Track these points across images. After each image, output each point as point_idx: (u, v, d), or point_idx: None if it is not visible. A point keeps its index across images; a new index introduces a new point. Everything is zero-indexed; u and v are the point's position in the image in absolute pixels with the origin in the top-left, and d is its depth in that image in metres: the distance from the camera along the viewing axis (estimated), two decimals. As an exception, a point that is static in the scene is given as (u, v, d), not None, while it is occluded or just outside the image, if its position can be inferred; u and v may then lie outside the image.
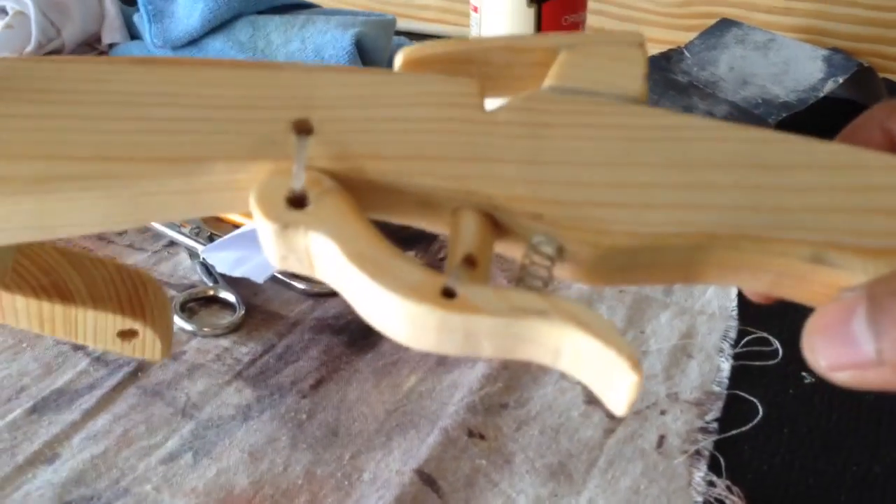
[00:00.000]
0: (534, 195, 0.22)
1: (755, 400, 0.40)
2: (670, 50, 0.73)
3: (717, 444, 0.38)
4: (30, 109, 0.23)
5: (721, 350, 0.44)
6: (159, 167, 0.22)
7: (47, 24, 0.74)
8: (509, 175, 0.23)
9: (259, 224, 0.22)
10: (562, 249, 0.22)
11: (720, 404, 0.40)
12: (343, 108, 0.24)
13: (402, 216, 0.24)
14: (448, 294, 0.20)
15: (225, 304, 0.48)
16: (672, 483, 0.36)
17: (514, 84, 0.27)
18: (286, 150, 0.23)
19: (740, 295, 0.48)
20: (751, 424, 0.39)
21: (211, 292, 0.48)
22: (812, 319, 0.21)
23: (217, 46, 0.72)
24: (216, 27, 0.72)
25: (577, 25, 0.60)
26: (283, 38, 0.71)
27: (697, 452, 0.37)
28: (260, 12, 0.74)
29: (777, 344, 0.44)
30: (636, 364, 0.20)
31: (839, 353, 0.20)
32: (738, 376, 0.42)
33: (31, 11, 0.73)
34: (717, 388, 0.41)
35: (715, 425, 0.39)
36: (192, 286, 0.49)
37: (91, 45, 0.80)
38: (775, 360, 0.43)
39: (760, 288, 0.24)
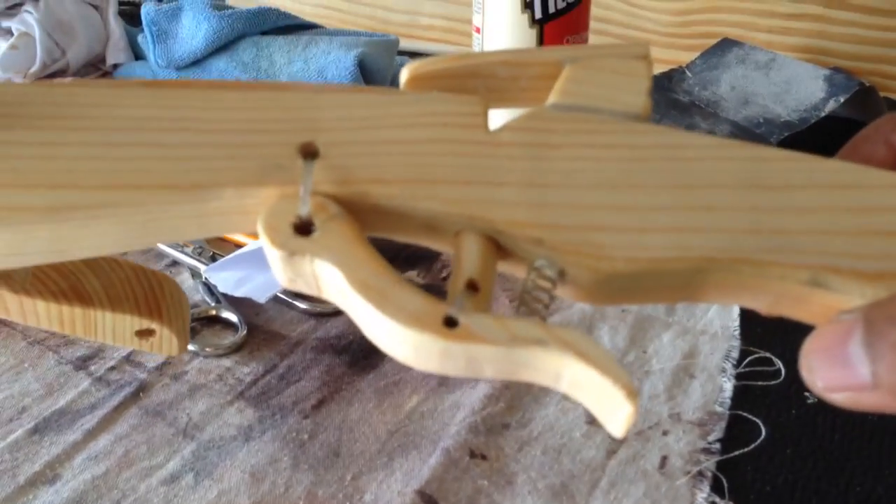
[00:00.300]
0: (535, 220, 0.23)
1: (758, 420, 0.40)
2: (672, 69, 0.74)
3: (720, 465, 0.38)
4: (42, 137, 0.24)
5: (723, 370, 0.44)
6: (169, 195, 0.23)
7: (52, 45, 0.75)
8: (511, 198, 0.23)
9: (267, 250, 0.22)
10: (563, 272, 0.22)
11: (723, 425, 0.40)
12: (348, 131, 0.24)
13: (407, 237, 0.24)
14: (450, 323, 0.21)
15: (227, 324, 0.48)
16: (675, 504, 0.36)
17: (519, 96, 0.27)
18: (293, 175, 0.23)
19: (742, 315, 0.47)
20: (753, 445, 0.39)
21: (213, 312, 0.48)
22: (810, 340, 0.21)
23: (220, 67, 0.72)
24: (220, 48, 0.72)
25: (579, 46, 0.60)
26: (287, 58, 0.71)
27: (700, 473, 0.37)
28: (263, 33, 0.74)
29: (780, 364, 0.44)
30: (632, 394, 0.20)
31: (835, 374, 0.21)
32: (741, 396, 0.42)
33: (36, 32, 0.74)
34: (719, 409, 0.41)
35: (717, 446, 0.39)
36: (195, 306, 0.49)
37: (95, 66, 0.80)
38: (778, 381, 0.43)
39: (760, 308, 0.24)
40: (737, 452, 0.38)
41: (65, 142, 0.24)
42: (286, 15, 0.76)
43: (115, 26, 0.80)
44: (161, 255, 0.54)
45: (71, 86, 0.25)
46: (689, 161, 0.24)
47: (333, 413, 0.41)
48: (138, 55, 0.81)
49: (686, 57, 0.77)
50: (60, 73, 0.76)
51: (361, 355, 0.45)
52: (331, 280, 0.22)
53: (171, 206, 0.23)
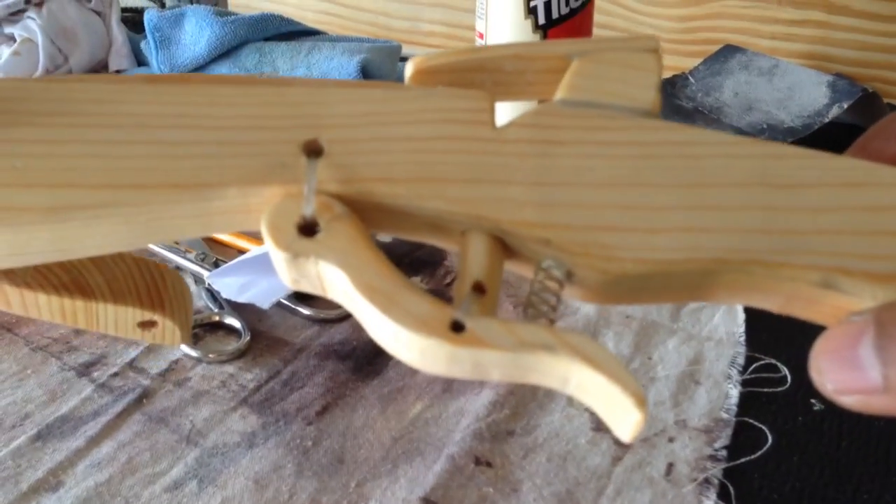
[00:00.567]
0: (542, 219, 0.22)
1: (764, 427, 0.40)
2: (675, 75, 0.74)
3: (727, 472, 0.37)
4: (42, 134, 0.23)
5: (729, 376, 0.43)
6: (171, 194, 0.23)
7: (55, 51, 0.75)
8: (518, 197, 0.23)
9: (271, 251, 0.22)
10: (570, 273, 0.22)
11: (729, 431, 0.40)
12: (352, 128, 0.24)
13: (412, 235, 0.24)
14: (457, 327, 0.20)
15: (230, 330, 0.48)
16: (681, 511, 0.36)
17: (526, 90, 0.27)
18: (297, 174, 0.23)
19: (748, 321, 0.47)
20: (760, 452, 0.39)
21: (216, 318, 0.48)
22: (820, 342, 0.21)
23: (223, 73, 0.72)
24: (222, 54, 0.72)
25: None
26: (289, 64, 0.71)
27: (706, 480, 0.37)
28: (266, 39, 0.74)
29: (785, 371, 0.43)
30: (641, 401, 0.20)
31: (845, 377, 0.20)
32: (747, 403, 0.42)
33: (39, 38, 0.74)
34: (725, 415, 0.41)
35: (724, 453, 0.38)
36: (198, 312, 0.49)
37: (98, 72, 0.80)
38: (784, 387, 0.43)
39: (771, 308, 0.23)
40: (743, 459, 0.38)
41: (65, 139, 0.23)
42: (289, 21, 0.76)
43: (118, 32, 0.80)
44: (164, 261, 0.54)
45: (70, 81, 0.25)
46: (699, 158, 0.24)
47: (337, 419, 0.41)
48: (141, 61, 0.81)
49: (689, 63, 0.77)
50: (63, 79, 0.76)
51: (365, 361, 0.45)
52: (336, 282, 0.22)
53: (175, 205, 0.23)
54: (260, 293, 0.47)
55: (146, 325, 0.31)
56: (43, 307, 0.29)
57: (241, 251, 0.54)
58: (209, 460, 0.38)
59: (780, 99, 0.68)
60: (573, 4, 0.58)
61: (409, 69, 0.26)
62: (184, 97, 0.25)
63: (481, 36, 0.61)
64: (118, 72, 0.80)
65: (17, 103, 0.24)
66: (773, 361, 0.44)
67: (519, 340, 0.20)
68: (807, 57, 0.78)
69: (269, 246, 0.22)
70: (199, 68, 0.73)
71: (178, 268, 0.53)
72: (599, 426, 0.40)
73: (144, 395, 0.42)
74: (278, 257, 0.22)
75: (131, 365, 0.44)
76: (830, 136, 0.62)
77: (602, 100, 0.25)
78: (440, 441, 0.39)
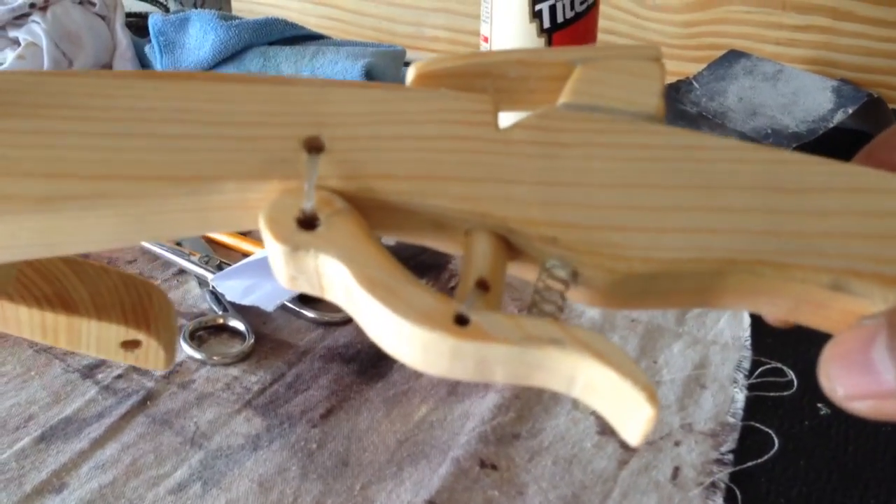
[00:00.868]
0: (549, 218, 0.22)
1: (771, 431, 0.40)
2: (679, 80, 0.73)
3: (733, 476, 0.37)
4: (36, 125, 0.23)
5: (735, 381, 0.43)
6: (167, 186, 0.22)
7: (59, 55, 0.75)
8: (524, 196, 0.22)
9: (269, 245, 0.21)
10: (576, 273, 0.22)
11: (735, 436, 0.40)
12: (354, 126, 0.24)
13: (415, 236, 0.24)
14: (461, 321, 0.20)
15: (234, 333, 0.48)
16: (688, 515, 0.36)
17: (529, 97, 0.27)
18: (297, 169, 0.22)
19: (753, 325, 0.47)
20: (767, 456, 0.38)
21: (220, 321, 0.48)
22: (830, 346, 0.21)
23: (228, 77, 0.72)
24: (227, 58, 0.72)
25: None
26: (293, 68, 0.71)
27: (713, 485, 0.37)
28: (270, 43, 0.74)
29: (792, 375, 0.43)
30: (653, 396, 0.19)
31: (857, 382, 0.20)
32: (753, 407, 0.41)
33: (44, 42, 0.74)
34: (731, 420, 0.41)
35: (730, 457, 0.38)
36: (202, 315, 0.49)
37: (102, 76, 0.80)
38: (790, 391, 0.42)
39: (779, 314, 0.23)
40: (750, 464, 0.38)
41: (60, 131, 0.23)
42: (293, 25, 0.76)
43: (122, 36, 0.80)
44: (168, 264, 0.54)
45: (67, 76, 0.25)
46: (705, 162, 0.23)
47: (342, 422, 0.41)
48: (145, 66, 0.81)
49: (693, 68, 0.77)
50: (67, 82, 0.76)
51: (370, 364, 0.45)
52: (335, 277, 0.21)
53: (170, 198, 0.22)
54: (264, 296, 0.47)
55: (130, 344, 0.29)
56: (24, 322, 0.29)
57: (246, 254, 0.54)
58: (213, 462, 0.38)
59: (785, 104, 0.68)
60: (578, 9, 0.58)
61: (410, 74, 0.26)
62: (183, 93, 0.24)
63: (486, 40, 0.61)
64: (122, 76, 0.80)
65: (11, 95, 0.24)
66: (780, 366, 0.44)
67: (526, 334, 0.20)
68: (811, 62, 0.78)
69: (266, 239, 0.21)
70: (204, 72, 0.73)
71: (183, 270, 0.53)
72: (605, 430, 0.40)
73: (148, 398, 0.42)
74: (276, 251, 0.21)
75: (135, 367, 0.44)
76: (835, 142, 0.62)
77: (606, 104, 0.25)
78: (445, 444, 0.39)
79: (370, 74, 0.70)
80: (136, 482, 0.37)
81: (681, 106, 0.70)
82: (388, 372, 0.44)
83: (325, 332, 0.47)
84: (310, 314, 0.48)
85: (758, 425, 0.40)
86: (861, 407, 0.20)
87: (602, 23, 0.63)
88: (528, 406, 0.41)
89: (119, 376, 0.43)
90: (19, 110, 0.23)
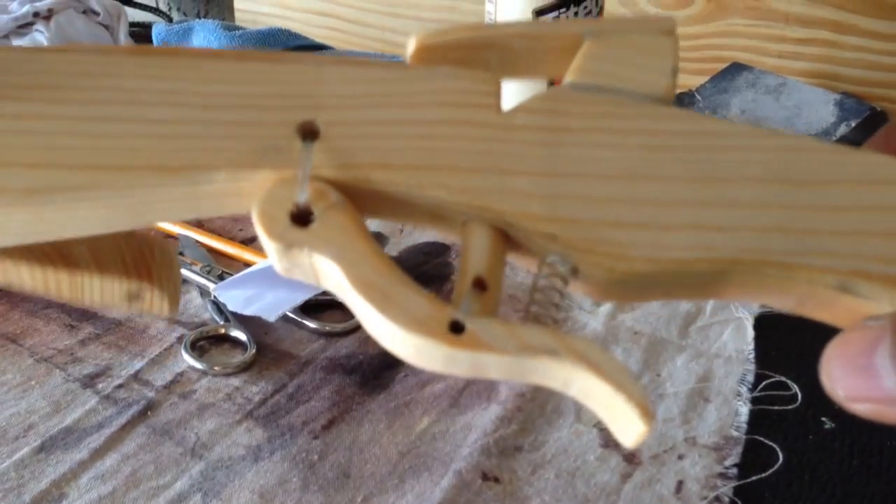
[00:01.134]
0: (549, 213, 0.21)
1: (775, 445, 0.40)
2: (682, 93, 0.73)
3: (737, 490, 0.37)
4: (19, 108, 0.22)
5: (739, 394, 0.43)
6: (156, 177, 0.21)
7: (62, 64, 0.75)
8: (524, 189, 0.22)
9: (262, 240, 0.21)
10: (576, 269, 0.21)
11: (739, 449, 0.39)
12: (350, 109, 0.23)
13: (412, 222, 0.23)
14: (456, 328, 0.20)
15: (236, 343, 0.47)
16: (692, 530, 0.35)
17: (535, 68, 0.26)
18: (290, 158, 0.22)
19: (757, 338, 0.47)
20: (771, 470, 0.38)
21: (222, 331, 0.48)
22: (832, 346, 0.20)
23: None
24: (230, 67, 0.72)
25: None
26: (297, 78, 0.71)
27: (717, 499, 0.37)
28: (273, 53, 0.74)
29: (796, 388, 0.43)
30: (647, 413, 0.19)
31: (859, 385, 0.20)
32: (757, 421, 0.41)
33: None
34: (735, 433, 0.40)
35: (734, 471, 0.38)
36: (203, 324, 0.48)
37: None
38: (794, 405, 0.42)
39: (783, 308, 0.23)
40: (754, 478, 0.38)
41: (44, 114, 0.22)
42: (296, 36, 0.77)
43: (124, 43, 0.80)
44: (169, 274, 0.54)
45: (53, 52, 0.24)
46: (715, 150, 0.22)
47: (344, 434, 0.40)
48: (148, 75, 0.81)
49: (696, 80, 0.77)
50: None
51: (372, 375, 0.44)
52: (330, 274, 0.21)
53: (160, 189, 0.22)
54: (266, 306, 0.46)
55: (133, 296, 0.30)
56: (26, 279, 0.28)
57: (248, 264, 0.54)
58: (214, 473, 0.38)
59: (788, 117, 0.68)
60: (582, 15, 0.58)
61: (410, 46, 0.25)
62: (173, 72, 0.23)
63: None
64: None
65: None
66: (783, 379, 0.44)
67: (521, 344, 0.19)
68: (814, 76, 0.78)
69: (260, 235, 0.21)
70: (207, 82, 0.73)
71: (184, 280, 0.53)
72: (608, 443, 0.40)
73: (149, 408, 0.42)
74: (270, 247, 0.21)
75: (136, 377, 0.44)
76: (838, 155, 0.62)
77: (614, 84, 0.23)
78: (447, 456, 0.39)
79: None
80: (136, 493, 0.37)
81: (683, 118, 0.70)
82: (390, 383, 0.44)
83: (327, 343, 0.47)
84: (312, 324, 0.48)
85: (762, 439, 0.40)
86: (861, 409, 0.20)
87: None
88: (530, 418, 0.41)
89: (119, 386, 0.43)
90: (1, 91, 0.22)
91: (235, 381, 0.44)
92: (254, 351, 0.46)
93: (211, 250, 0.56)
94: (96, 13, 0.79)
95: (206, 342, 0.47)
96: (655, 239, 0.21)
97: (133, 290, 0.29)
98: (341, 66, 0.24)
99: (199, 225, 0.58)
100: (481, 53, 0.25)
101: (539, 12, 0.56)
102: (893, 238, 0.21)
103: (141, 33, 0.88)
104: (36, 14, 0.75)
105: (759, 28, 0.79)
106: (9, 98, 0.22)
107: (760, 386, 0.44)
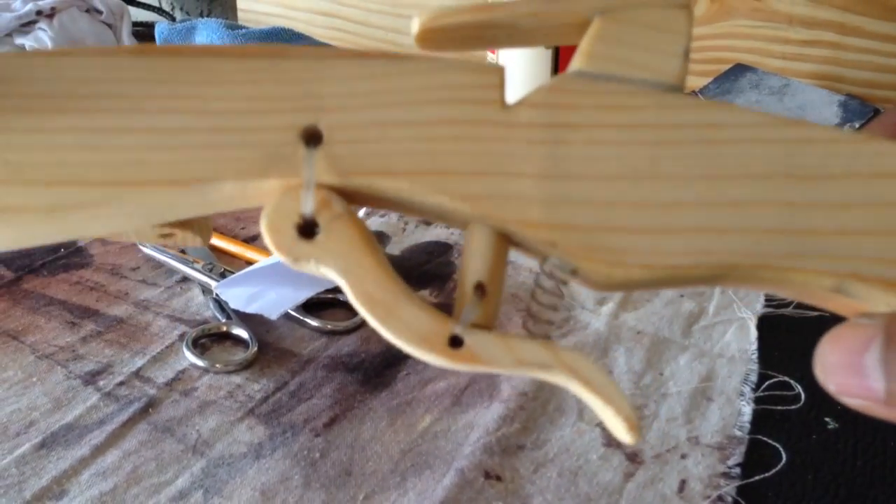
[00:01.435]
0: (549, 219, 0.22)
1: (778, 445, 0.39)
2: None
3: (741, 490, 0.37)
4: (32, 122, 0.22)
5: (742, 394, 0.43)
6: (168, 191, 0.22)
7: (65, 62, 0.75)
8: (525, 193, 0.22)
9: (272, 250, 0.22)
10: (575, 271, 0.22)
11: (742, 449, 0.39)
12: (353, 110, 0.23)
13: (414, 216, 0.24)
14: (455, 342, 0.21)
15: (237, 341, 0.47)
16: (694, 529, 0.35)
17: (543, 41, 0.25)
18: (295, 165, 0.22)
19: (760, 338, 0.47)
20: (774, 470, 0.38)
21: (224, 328, 0.48)
22: (826, 341, 0.21)
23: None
24: (233, 66, 0.72)
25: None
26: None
27: (720, 498, 0.36)
28: (277, 52, 0.74)
29: (799, 388, 0.43)
30: (633, 427, 0.20)
31: (849, 382, 0.20)
32: (760, 421, 0.41)
33: (49, 49, 0.74)
34: (738, 433, 0.40)
35: (737, 470, 0.38)
36: (205, 322, 0.48)
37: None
38: (797, 405, 0.42)
39: (780, 295, 0.23)
40: (757, 477, 0.38)
41: (55, 127, 0.22)
42: (299, 35, 0.76)
43: (128, 43, 0.80)
44: (172, 271, 0.54)
45: (57, 56, 0.24)
46: (721, 144, 0.22)
47: (345, 431, 0.40)
48: (151, 74, 0.81)
49: (699, 82, 0.77)
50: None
51: (374, 373, 0.44)
52: (337, 282, 0.22)
53: (172, 200, 0.22)
54: (268, 304, 0.46)
55: (166, 235, 0.30)
56: None
57: (250, 262, 0.54)
58: (215, 471, 0.38)
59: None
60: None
61: (414, 27, 0.24)
62: (176, 74, 0.23)
63: (493, 51, 0.61)
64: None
65: (2, 84, 0.23)
66: (787, 379, 0.44)
67: (516, 359, 0.21)
68: (818, 77, 0.77)
69: (269, 245, 0.22)
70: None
71: (186, 278, 0.53)
72: (611, 442, 0.39)
73: (150, 405, 0.42)
74: (279, 257, 0.22)
75: (137, 374, 0.44)
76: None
77: (622, 72, 0.23)
78: (449, 454, 0.39)
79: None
80: (137, 489, 0.37)
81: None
82: (392, 381, 0.44)
83: (329, 341, 0.47)
84: (314, 323, 0.48)
85: (765, 439, 0.40)
86: (851, 403, 0.20)
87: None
88: (533, 417, 0.41)
89: (121, 383, 0.43)
90: (11, 103, 0.23)
91: (237, 379, 0.44)
92: (255, 349, 0.46)
93: (213, 248, 0.56)
94: (99, 12, 0.79)
95: (208, 340, 0.47)
96: (654, 244, 0.21)
97: (165, 232, 0.29)
98: (343, 60, 0.24)
99: (201, 223, 0.58)
100: (487, 32, 0.24)
101: None
102: (892, 237, 0.21)
103: (144, 32, 0.88)
104: (39, 12, 0.75)
105: (762, 30, 0.79)
106: (19, 110, 0.23)
107: (764, 386, 0.43)
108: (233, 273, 0.50)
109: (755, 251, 0.21)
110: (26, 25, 0.76)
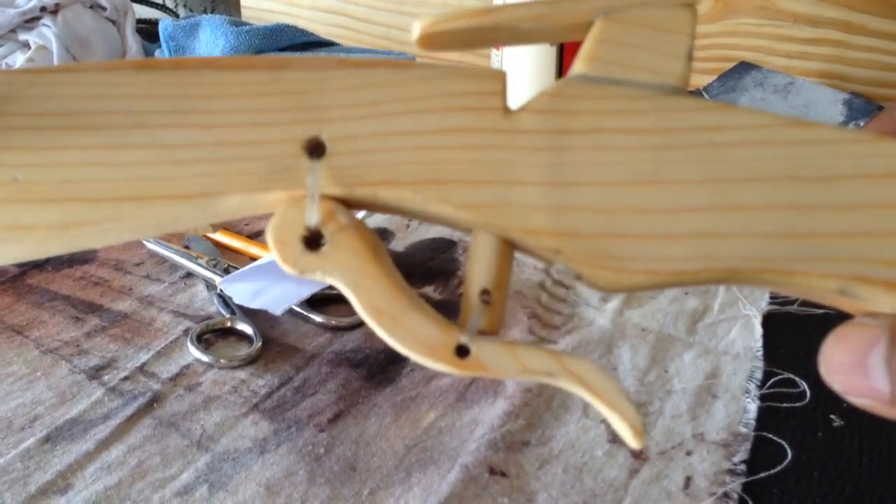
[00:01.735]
0: (553, 227, 0.22)
1: (783, 442, 0.39)
2: (689, 91, 0.73)
3: (746, 487, 0.37)
4: (37, 140, 0.23)
5: (747, 391, 0.43)
6: (174, 206, 0.22)
7: (69, 59, 0.75)
8: (528, 201, 0.22)
9: (278, 262, 0.22)
10: (580, 276, 0.22)
11: (748, 446, 0.39)
12: (355, 120, 0.23)
13: (421, 221, 0.24)
14: (461, 352, 0.21)
15: (242, 336, 0.47)
16: (700, 526, 0.35)
17: (545, 40, 0.25)
18: (299, 178, 0.22)
19: (765, 335, 0.47)
20: (780, 467, 0.38)
21: (228, 324, 0.48)
22: (831, 340, 0.21)
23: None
24: (237, 63, 0.72)
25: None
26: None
27: (725, 495, 0.36)
28: (280, 49, 0.74)
29: (804, 386, 0.43)
30: (638, 432, 0.21)
31: (853, 381, 0.20)
32: (765, 418, 0.41)
33: (54, 46, 0.74)
34: (743, 430, 0.40)
35: (743, 467, 0.38)
36: (209, 317, 0.48)
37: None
38: (803, 402, 0.42)
39: (786, 294, 0.23)
40: (763, 474, 0.38)
41: (61, 145, 0.23)
42: (303, 32, 0.76)
43: (132, 41, 0.80)
44: (176, 267, 0.54)
45: (58, 72, 0.24)
46: (726, 147, 0.22)
47: (350, 427, 0.40)
48: (155, 70, 0.81)
49: (703, 80, 0.77)
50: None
51: (378, 369, 0.44)
52: (343, 293, 0.22)
53: (177, 213, 0.23)
54: (272, 299, 0.46)
55: None
56: None
57: (254, 258, 0.54)
58: (220, 465, 0.38)
59: (796, 116, 0.68)
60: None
61: (415, 31, 0.24)
62: (179, 88, 0.24)
63: (497, 48, 0.61)
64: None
65: (6, 102, 0.23)
66: (792, 376, 0.44)
67: (522, 367, 0.21)
68: (822, 76, 0.77)
69: (276, 258, 0.22)
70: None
71: (190, 273, 0.53)
72: (616, 438, 0.39)
73: (155, 400, 0.42)
74: (286, 269, 0.22)
75: (142, 369, 0.44)
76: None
77: (624, 75, 0.23)
78: (454, 450, 0.39)
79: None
80: (142, 484, 0.37)
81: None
82: (397, 377, 0.44)
83: (333, 337, 0.47)
84: (318, 318, 0.48)
85: (770, 436, 0.40)
86: (856, 401, 0.20)
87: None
88: (537, 413, 0.41)
89: (126, 378, 0.43)
90: (15, 121, 0.23)
91: (241, 374, 0.44)
92: (259, 344, 0.46)
93: (217, 244, 0.56)
94: (103, 8, 0.79)
95: (212, 335, 0.47)
96: (658, 250, 0.22)
97: None
98: (345, 69, 0.24)
99: (205, 219, 0.58)
100: (489, 34, 0.24)
101: None
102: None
103: (148, 29, 0.88)
104: (43, 8, 0.75)
105: (767, 28, 0.79)
106: (25, 128, 0.23)
107: (769, 383, 0.43)
108: (237, 269, 0.50)
109: (759, 255, 0.21)
110: (30, 21, 0.76)
